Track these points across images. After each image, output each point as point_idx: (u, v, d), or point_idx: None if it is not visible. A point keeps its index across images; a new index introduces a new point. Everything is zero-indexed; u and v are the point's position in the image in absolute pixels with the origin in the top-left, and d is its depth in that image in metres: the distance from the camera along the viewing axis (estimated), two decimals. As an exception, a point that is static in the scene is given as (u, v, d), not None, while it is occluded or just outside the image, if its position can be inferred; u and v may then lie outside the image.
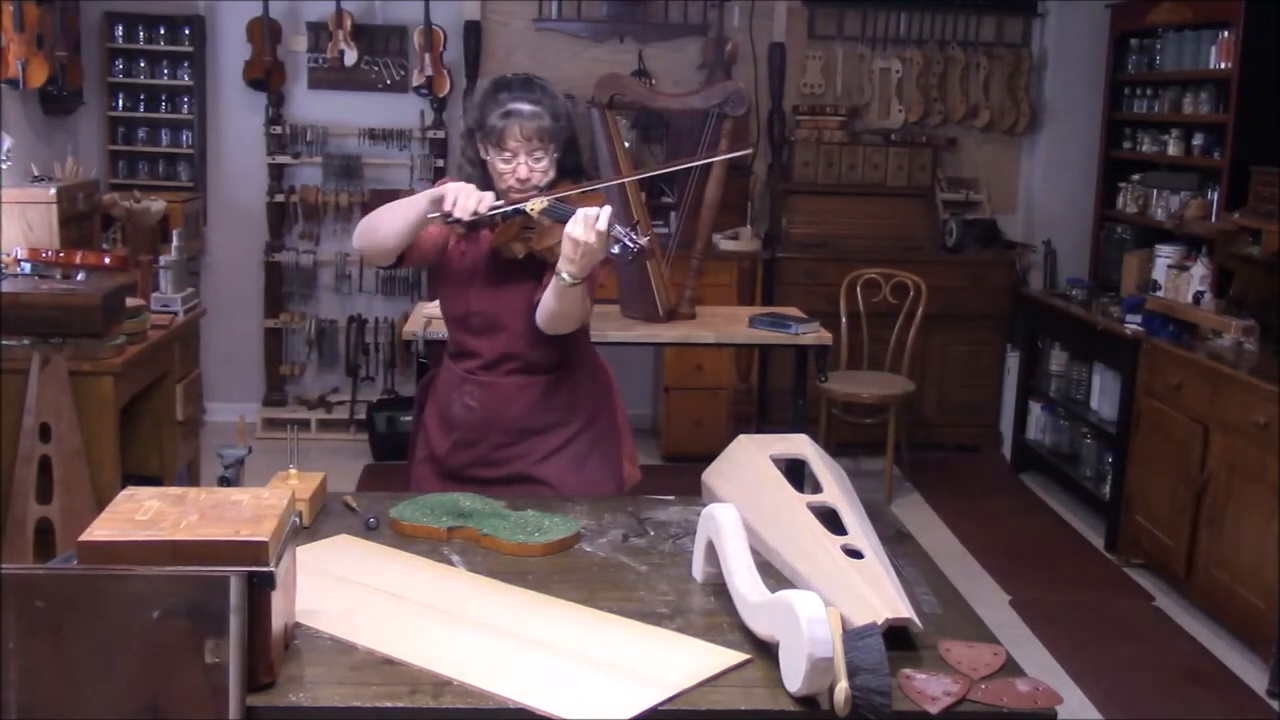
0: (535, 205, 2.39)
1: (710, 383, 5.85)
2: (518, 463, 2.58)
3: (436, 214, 2.36)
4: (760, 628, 1.70)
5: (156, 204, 5.02)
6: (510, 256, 2.47)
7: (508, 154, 2.45)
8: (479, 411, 2.58)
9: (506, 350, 2.56)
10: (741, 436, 2.33)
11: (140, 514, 1.59)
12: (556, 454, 2.60)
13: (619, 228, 2.31)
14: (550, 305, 2.42)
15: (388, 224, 2.47)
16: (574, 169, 2.55)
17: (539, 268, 2.49)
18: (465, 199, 2.33)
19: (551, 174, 2.49)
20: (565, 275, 2.33)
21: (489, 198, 2.37)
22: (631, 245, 2.31)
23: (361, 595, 1.85)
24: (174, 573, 1.47)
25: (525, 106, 2.44)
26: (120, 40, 5.85)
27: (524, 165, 2.46)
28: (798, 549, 1.94)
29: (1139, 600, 4.52)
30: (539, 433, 2.59)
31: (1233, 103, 4.80)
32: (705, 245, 4.54)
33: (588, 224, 2.27)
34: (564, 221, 2.36)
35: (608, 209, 2.31)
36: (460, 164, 2.62)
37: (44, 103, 5.34)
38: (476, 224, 2.41)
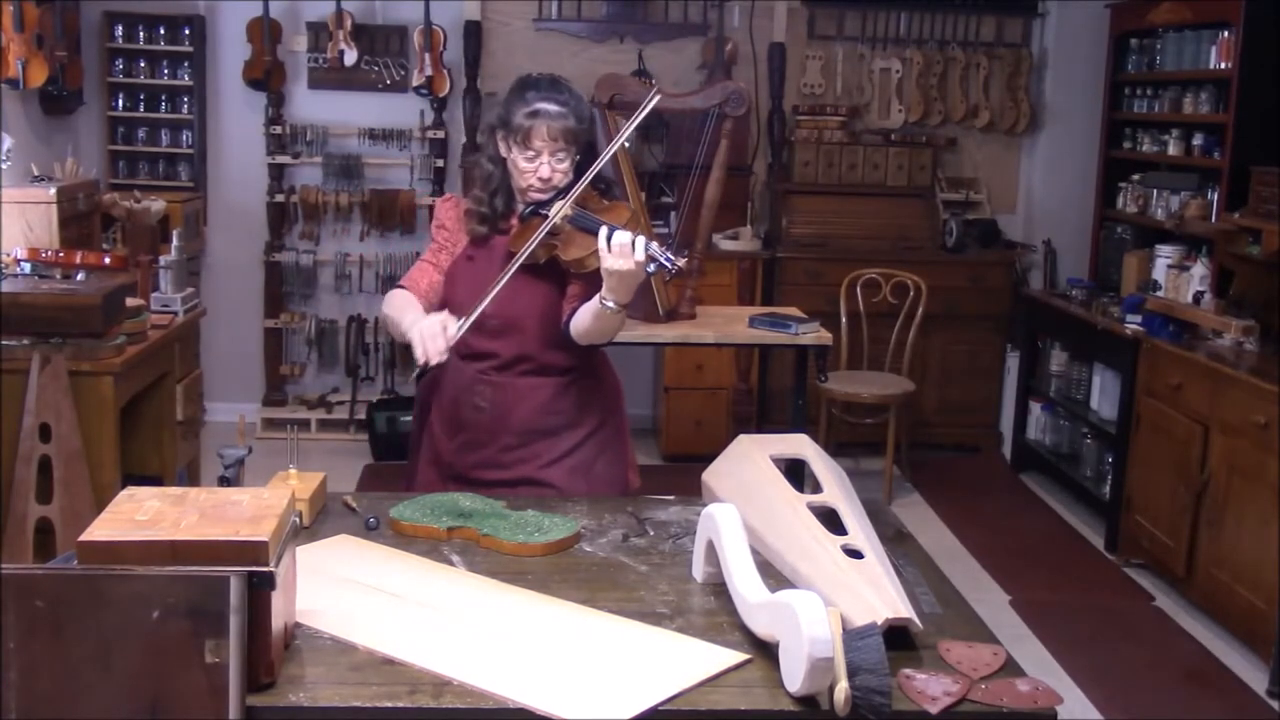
0: (562, 214, 2.40)
1: (710, 383, 5.85)
2: (524, 466, 2.58)
3: (418, 370, 2.35)
4: (760, 628, 1.70)
5: (156, 204, 5.02)
6: (531, 261, 2.46)
7: (531, 153, 2.46)
8: (489, 413, 2.58)
9: (522, 351, 2.56)
10: (741, 436, 2.33)
11: (140, 514, 1.59)
12: (564, 458, 2.59)
13: (654, 246, 2.31)
14: (589, 324, 2.43)
15: (392, 327, 2.55)
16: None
17: (558, 270, 2.50)
18: (433, 341, 2.29)
19: (571, 175, 2.50)
20: (611, 304, 2.34)
21: (451, 321, 2.33)
22: (669, 265, 2.30)
23: (361, 595, 1.85)
24: (174, 573, 1.47)
25: (552, 107, 2.45)
26: (120, 40, 5.84)
27: (546, 165, 2.47)
28: (798, 549, 1.94)
29: (1139, 600, 4.52)
30: (547, 435, 2.58)
31: (1233, 103, 4.80)
32: (705, 245, 4.53)
33: (624, 254, 2.27)
34: (589, 231, 2.36)
35: (641, 237, 2.29)
36: (478, 160, 2.62)
37: (44, 103, 5.34)
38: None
